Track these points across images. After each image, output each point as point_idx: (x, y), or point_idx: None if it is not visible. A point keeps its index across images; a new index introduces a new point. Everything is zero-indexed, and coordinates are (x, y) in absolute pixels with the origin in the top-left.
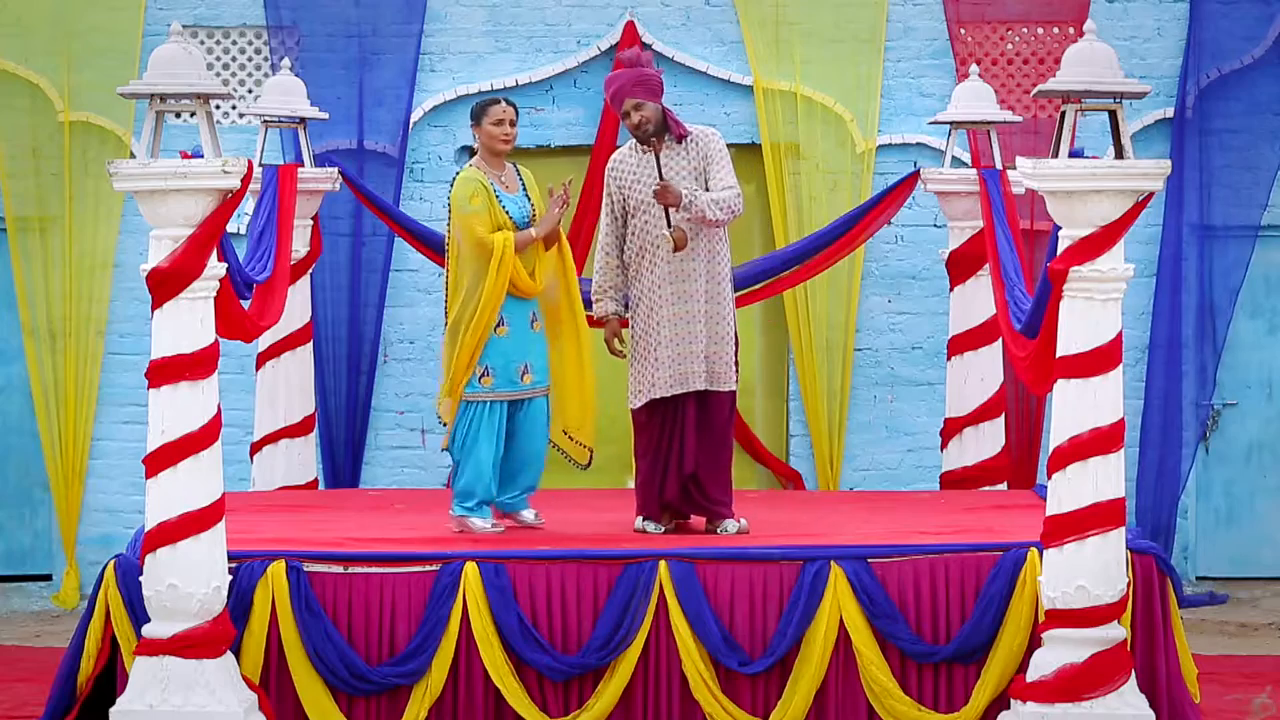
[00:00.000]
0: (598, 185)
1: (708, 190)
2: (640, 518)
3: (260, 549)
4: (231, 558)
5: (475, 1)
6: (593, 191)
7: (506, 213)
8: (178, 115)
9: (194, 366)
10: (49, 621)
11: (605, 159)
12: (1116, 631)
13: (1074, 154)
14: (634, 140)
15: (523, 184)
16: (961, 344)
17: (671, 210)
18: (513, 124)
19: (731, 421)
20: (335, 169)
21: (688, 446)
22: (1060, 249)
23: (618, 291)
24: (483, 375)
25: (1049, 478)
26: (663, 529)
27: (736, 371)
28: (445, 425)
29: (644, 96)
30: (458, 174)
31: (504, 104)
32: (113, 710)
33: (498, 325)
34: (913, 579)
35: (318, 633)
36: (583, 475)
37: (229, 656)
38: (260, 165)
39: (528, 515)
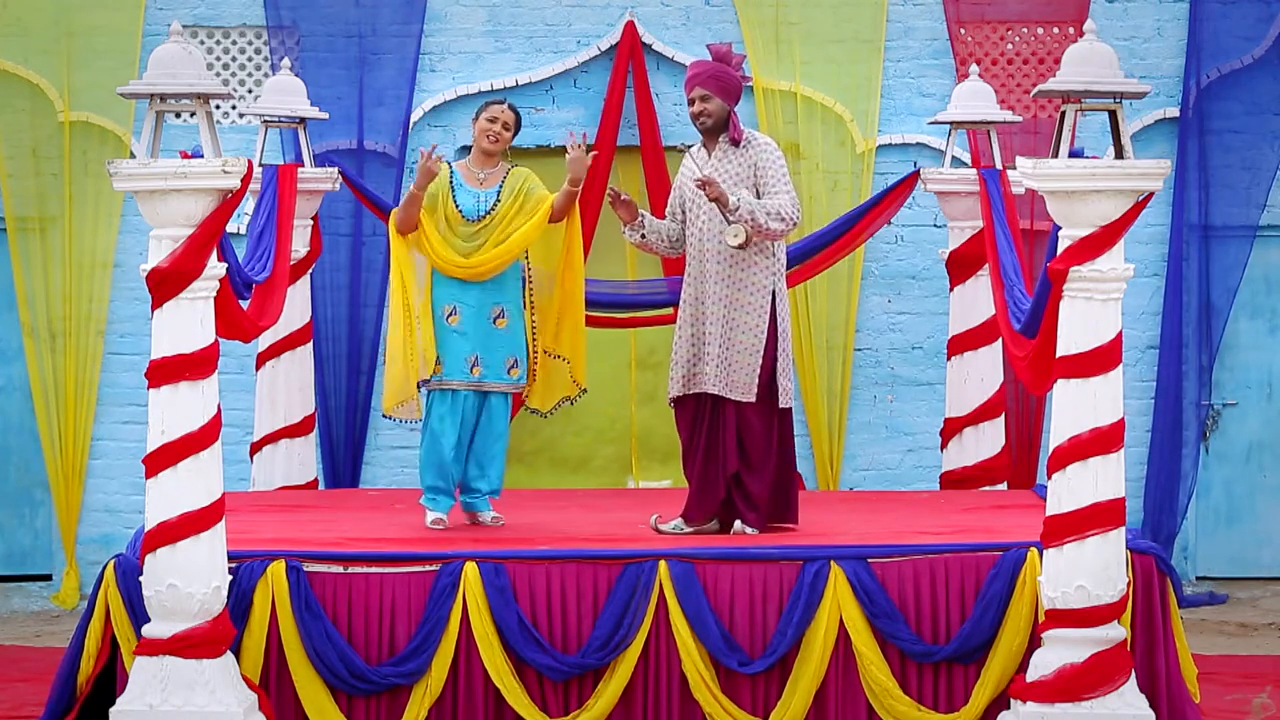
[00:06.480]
0: (596, 185)
1: (759, 199)
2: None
3: (260, 549)
4: (231, 558)
5: (475, 1)
6: (591, 191)
7: (455, 202)
8: (178, 115)
9: (194, 366)
10: (49, 621)
11: (606, 159)
12: (1116, 631)
13: (1074, 154)
14: (702, 140)
15: (502, 185)
16: (961, 344)
17: (725, 210)
18: (506, 127)
19: (770, 436)
20: (335, 169)
21: (728, 453)
22: (1060, 249)
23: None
24: (435, 363)
25: (1049, 478)
26: (687, 530)
27: (769, 387)
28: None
29: (713, 90)
30: None
31: (505, 106)
32: (113, 710)
33: (450, 314)
34: (913, 579)
35: (318, 633)
36: (583, 475)
37: (229, 656)
38: (260, 165)
39: (484, 517)
